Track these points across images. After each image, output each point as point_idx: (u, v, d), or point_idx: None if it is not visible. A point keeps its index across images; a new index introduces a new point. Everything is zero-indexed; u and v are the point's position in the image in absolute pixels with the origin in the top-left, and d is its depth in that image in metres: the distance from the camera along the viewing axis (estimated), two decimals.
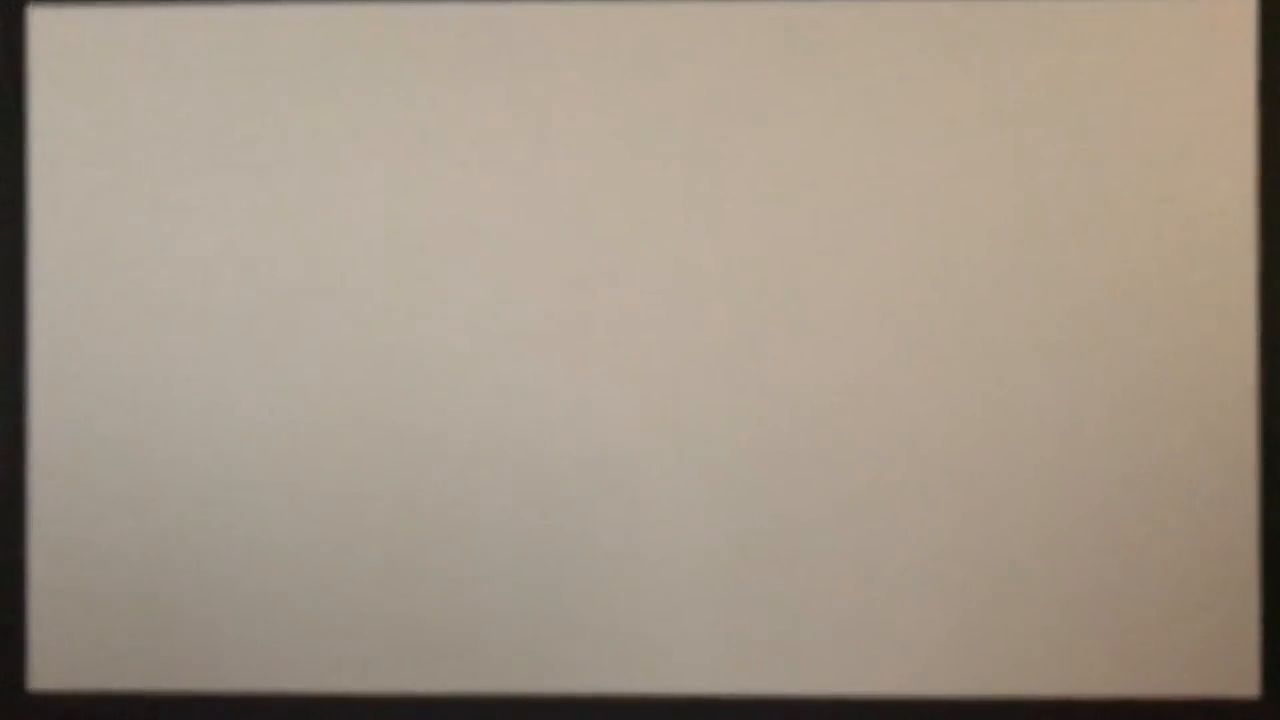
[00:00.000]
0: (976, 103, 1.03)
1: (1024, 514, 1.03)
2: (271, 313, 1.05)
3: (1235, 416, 1.02)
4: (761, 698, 1.04)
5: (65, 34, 1.06)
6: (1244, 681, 1.02)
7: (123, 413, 1.05)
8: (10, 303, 1.06)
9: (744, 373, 1.04)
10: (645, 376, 1.04)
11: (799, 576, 1.04)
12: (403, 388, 1.04)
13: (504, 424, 1.04)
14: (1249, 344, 1.02)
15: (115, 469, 1.05)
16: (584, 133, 1.04)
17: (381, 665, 1.05)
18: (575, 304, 1.04)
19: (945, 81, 1.03)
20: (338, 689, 1.05)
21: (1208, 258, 1.03)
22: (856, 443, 1.03)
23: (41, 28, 1.06)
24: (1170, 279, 1.03)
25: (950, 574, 1.03)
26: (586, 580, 1.04)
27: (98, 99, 1.06)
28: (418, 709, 1.05)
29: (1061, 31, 1.03)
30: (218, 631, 1.05)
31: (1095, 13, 1.03)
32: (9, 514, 1.06)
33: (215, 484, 1.05)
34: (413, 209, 1.05)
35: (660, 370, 1.04)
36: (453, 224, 1.05)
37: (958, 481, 1.03)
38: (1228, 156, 1.03)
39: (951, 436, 1.03)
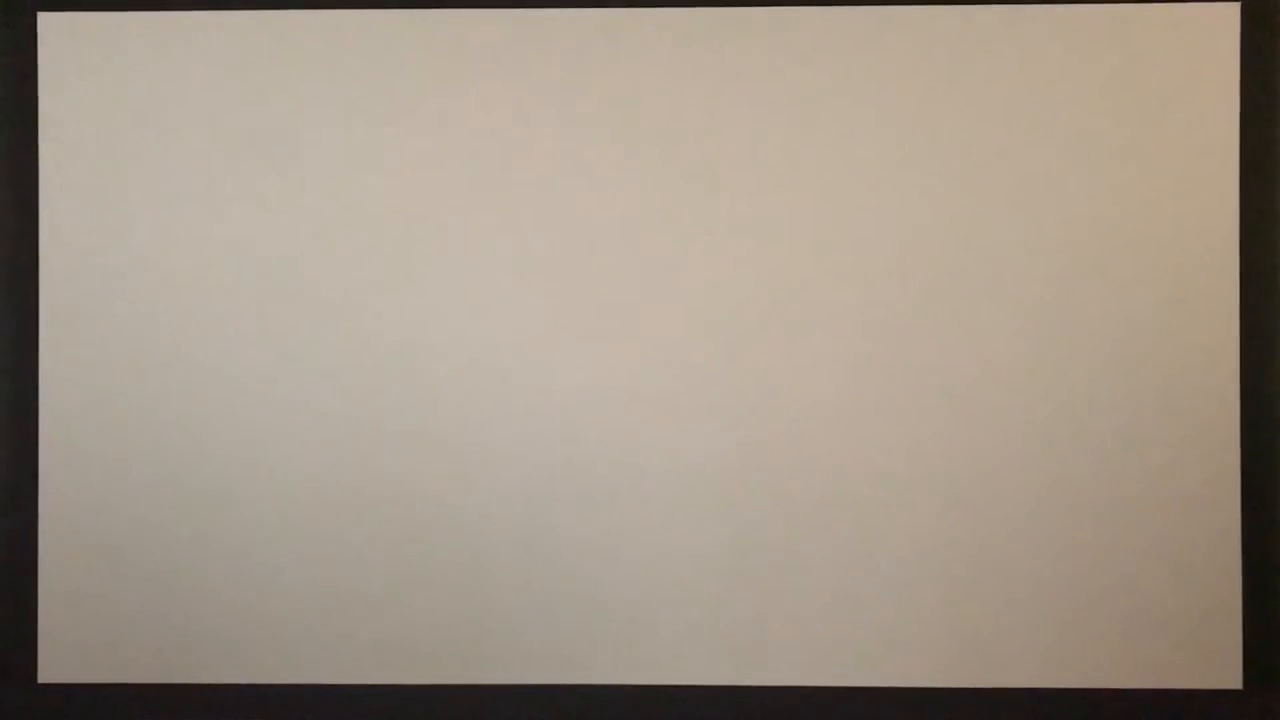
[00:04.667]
0: (970, 108, 1.04)
1: (1015, 514, 1.04)
2: (278, 314, 1.06)
3: (1219, 421, 1.03)
4: (757, 688, 1.05)
5: (74, 39, 1.06)
6: (1227, 674, 1.04)
7: (130, 414, 1.06)
8: (20, 303, 1.07)
9: (739, 371, 1.05)
10: (644, 375, 1.05)
11: (795, 571, 1.05)
12: (406, 387, 1.05)
13: (505, 424, 1.05)
14: (1232, 348, 1.03)
15: (122, 469, 1.06)
16: (587, 137, 1.05)
17: (383, 657, 1.06)
18: (578, 306, 1.05)
19: (939, 88, 1.04)
20: (340, 680, 1.06)
21: (1192, 265, 1.03)
22: (849, 444, 1.04)
23: (51, 33, 1.06)
24: (1156, 285, 1.04)
25: (943, 570, 1.04)
26: (586, 575, 1.05)
27: (106, 102, 1.06)
28: (418, 698, 1.06)
29: (1049, 41, 1.04)
30: (222, 625, 1.06)
31: (1082, 22, 1.04)
32: (20, 512, 1.07)
33: (220, 482, 1.06)
34: (418, 212, 1.05)
35: (658, 368, 1.05)
36: (457, 226, 1.05)
37: (950, 481, 1.04)
38: (1212, 162, 1.04)
39: (943, 436, 1.04)
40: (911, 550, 1.04)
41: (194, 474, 1.06)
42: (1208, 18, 1.04)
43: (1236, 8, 1.04)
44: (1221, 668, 1.04)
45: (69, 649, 1.06)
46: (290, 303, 1.06)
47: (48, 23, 1.06)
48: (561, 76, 1.05)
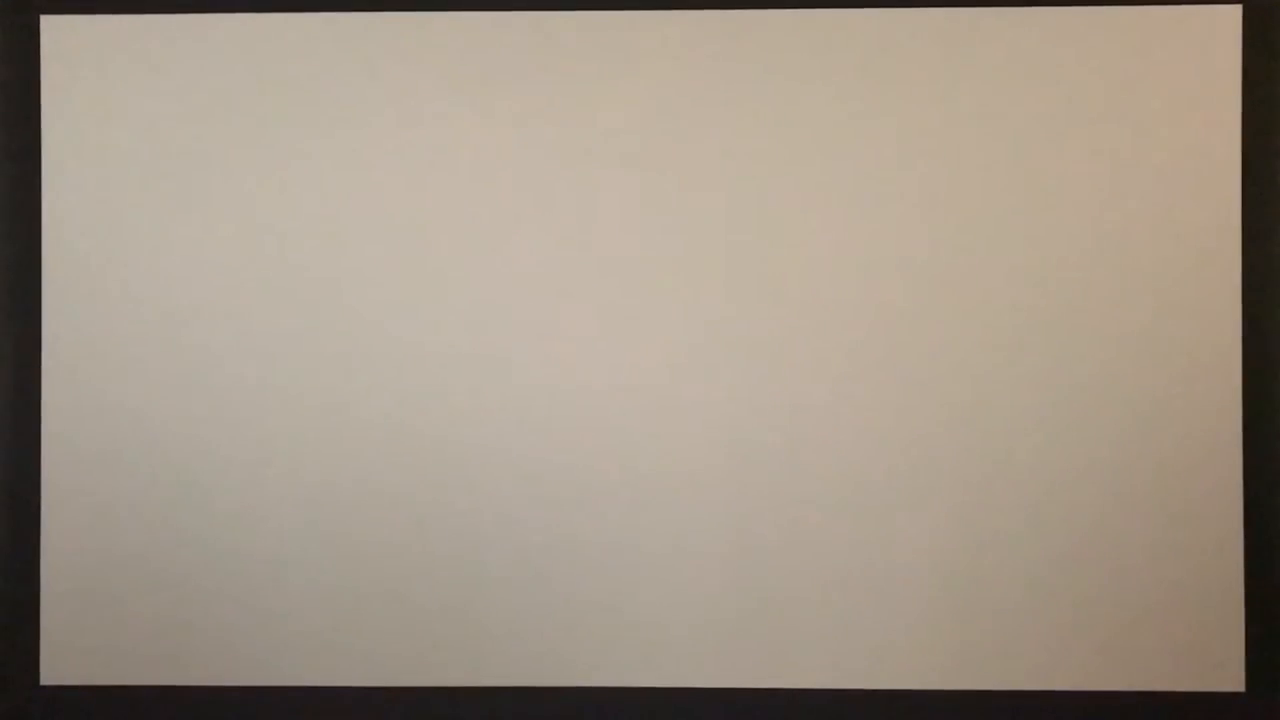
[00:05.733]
0: (971, 111, 1.04)
1: (1016, 515, 1.04)
2: (280, 316, 1.06)
3: (1222, 423, 1.03)
4: (758, 690, 1.05)
5: (77, 42, 1.06)
6: (1230, 676, 1.04)
7: (131, 415, 1.06)
8: (23, 305, 1.07)
9: (740, 372, 1.05)
10: (646, 376, 1.05)
11: (796, 573, 1.05)
12: (408, 389, 1.05)
13: (506, 424, 1.05)
14: (1234, 347, 1.03)
15: (124, 470, 1.06)
16: (586, 138, 1.05)
17: (384, 659, 1.06)
18: (578, 307, 1.05)
19: (940, 91, 1.04)
20: (342, 682, 1.06)
21: (1194, 267, 1.04)
22: (851, 445, 1.04)
23: (53, 36, 1.07)
24: (1158, 287, 1.04)
25: (943, 572, 1.04)
26: (586, 577, 1.05)
27: (109, 105, 1.06)
28: (419, 700, 1.06)
29: (1050, 44, 1.04)
30: (224, 627, 1.06)
31: (1083, 24, 1.04)
32: (21, 514, 1.07)
33: (221, 484, 1.06)
34: (420, 214, 1.06)
35: (660, 369, 1.05)
36: (456, 226, 1.06)
37: (950, 483, 1.04)
38: (1214, 164, 1.04)
39: (944, 437, 1.04)
40: (911, 552, 1.04)
41: (195, 476, 1.06)
42: (1209, 20, 1.04)
43: (1238, 10, 1.04)
44: (1224, 670, 1.04)
45: (71, 651, 1.07)
46: (292, 305, 1.06)
47: (50, 25, 1.07)
48: (561, 79, 1.05)
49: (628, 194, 1.05)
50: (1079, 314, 1.04)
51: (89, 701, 1.07)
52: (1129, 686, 1.04)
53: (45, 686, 1.07)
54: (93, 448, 1.06)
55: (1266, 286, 1.04)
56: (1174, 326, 1.03)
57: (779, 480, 1.05)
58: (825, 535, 1.05)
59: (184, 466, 1.06)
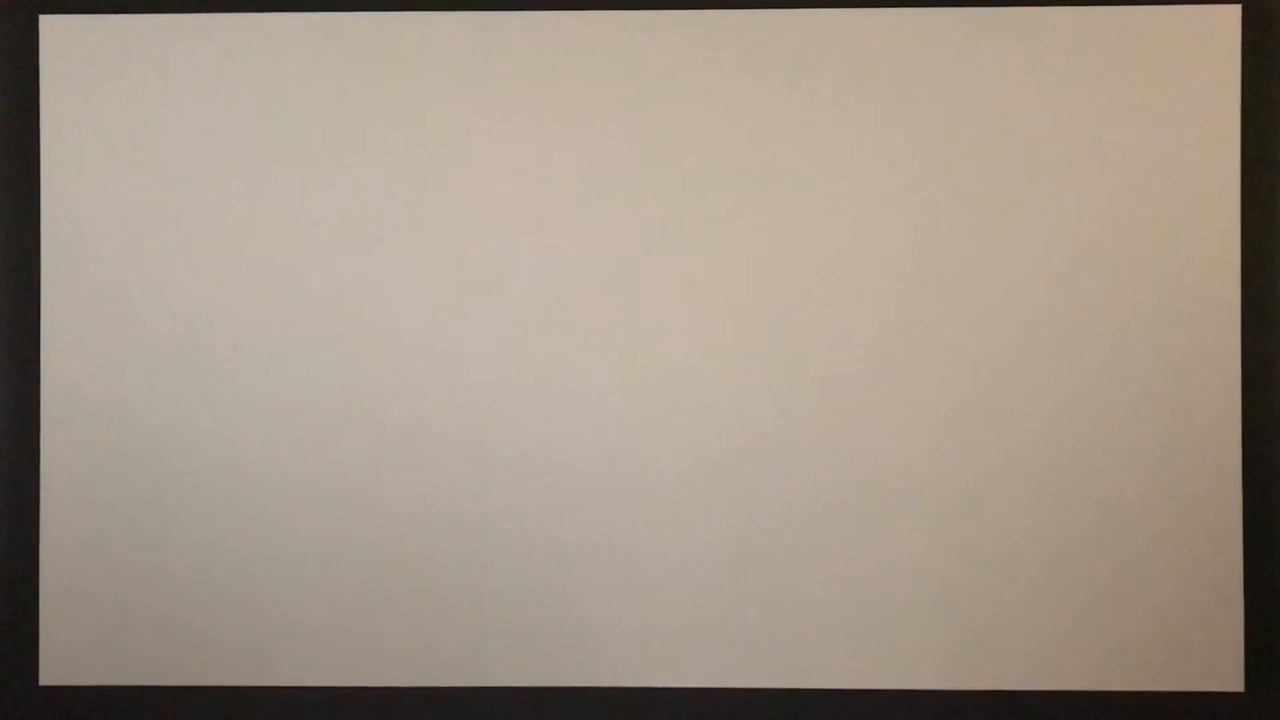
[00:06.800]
0: (972, 110, 1.04)
1: (1016, 515, 1.04)
2: (279, 317, 1.06)
3: (1221, 422, 1.03)
4: (761, 690, 1.05)
5: (76, 42, 1.06)
6: (1229, 676, 1.04)
7: (131, 415, 1.06)
8: (22, 306, 1.07)
9: (743, 372, 1.05)
10: (646, 376, 1.05)
11: (797, 573, 1.05)
12: (409, 390, 1.05)
13: (506, 424, 1.05)
14: (1233, 349, 1.03)
15: (123, 472, 1.06)
16: (586, 138, 1.05)
17: (384, 660, 1.06)
18: (578, 306, 1.05)
19: (941, 91, 1.05)
20: (342, 683, 1.06)
21: (1194, 266, 1.04)
22: (852, 445, 1.05)
23: (52, 35, 1.07)
24: (1158, 286, 1.04)
25: (944, 572, 1.04)
26: (587, 576, 1.05)
27: (107, 105, 1.06)
28: (419, 701, 1.06)
29: (1051, 43, 1.04)
30: (223, 628, 1.06)
31: (1083, 24, 1.04)
32: (21, 516, 1.07)
33: (221, 484, 1.06)
34: (421, 215, 1.06)
35: (660, 369, 1.05)
36: (458, 227, 1.06)
37: (951, 483, 1.04)
38: (1213, 164, 1.04)
39: (945, 438, 1.04)
40: (912, 553, 1.05)
41: (195, 476, 1.06)
42: (1209, 20, 1.04)
43: (1237, 10, 1.04)
44: (1224, 670, 1.04)
45: (70, 651, 1.07)
46: (293, 305, 1.06)
47: (49, 25, 1.07)
48: (567, 80, 1.05)
49: (633, 196, 1.05)
50: (1079, 314, 1.04)
51: (89, 701, 1.07)
52: (1129, 686, 1.04)
53: (45, 686, 1.07)
54: (92, 449, 1.06)
55: (1266, 287, 1.04)
56: (1174, 326, 1.04)
57: (780, 481, 1.05)
58: (825, 536, 1.05)
59: (184, 467, 1.06)
